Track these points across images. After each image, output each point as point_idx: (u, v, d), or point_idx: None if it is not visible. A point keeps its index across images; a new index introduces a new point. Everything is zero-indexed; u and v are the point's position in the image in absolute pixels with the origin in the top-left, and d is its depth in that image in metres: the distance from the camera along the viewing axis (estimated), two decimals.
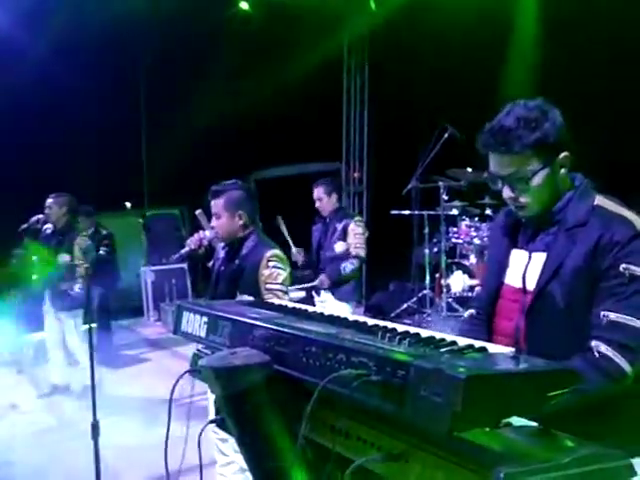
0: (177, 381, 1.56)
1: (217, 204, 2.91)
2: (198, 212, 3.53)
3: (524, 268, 1.71)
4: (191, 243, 3.05)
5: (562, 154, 1.64)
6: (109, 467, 3.17)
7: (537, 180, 1.62)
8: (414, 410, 0.92)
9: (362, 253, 4.83)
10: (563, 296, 1.60)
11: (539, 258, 1.68)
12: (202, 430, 1.53)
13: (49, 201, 5.12)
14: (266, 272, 2.78)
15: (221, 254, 3.05)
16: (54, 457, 3.80)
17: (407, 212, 7.23)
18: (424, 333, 1.19)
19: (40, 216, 5.26)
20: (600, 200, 1.67)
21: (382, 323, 1.32)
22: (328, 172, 7.63)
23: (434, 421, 0.89)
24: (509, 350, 1.06)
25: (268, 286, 2.76)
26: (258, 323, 1.36)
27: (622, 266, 1.54)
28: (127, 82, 8.38)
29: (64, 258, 4.97)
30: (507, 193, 1.68)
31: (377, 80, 8.71)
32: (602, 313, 1.54)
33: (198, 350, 1.66)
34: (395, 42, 7.69)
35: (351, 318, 1.39)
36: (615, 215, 1.62)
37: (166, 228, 8.95)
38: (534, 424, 1.16)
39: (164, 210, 9.16)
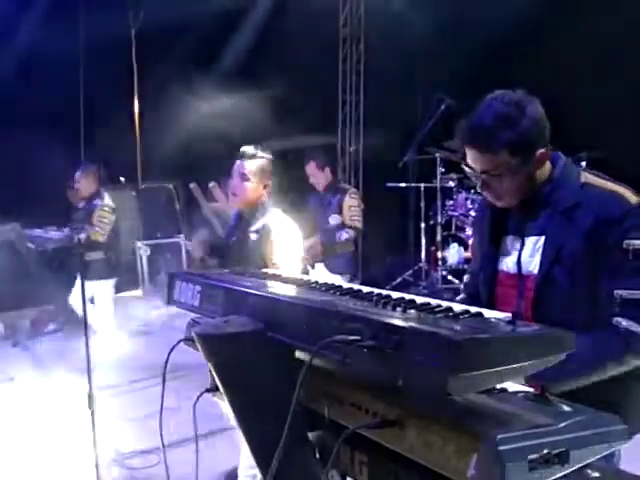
0: (171, 350, 1.56)
1: (246, 166, 2.85)
2: (192, 185, 3.51)
3: (518, 253, 1.70)
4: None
5: (539, 151, 1.61)
6: (105, 438, 3.19)
7: (511, 177, 1.61)
8: (409, 375, 0.91)
9: (358, 225, 4.83)
10: (567, 279, 1.59)
11: (534, 242, 1.67)
12: (197, 399, 1.53)
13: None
14: (277, 242, 2.77)
15: (233, 222, 3.04)
16: (51, 429, 3.82)
17: (403, 185, 7.21)
18: (419, 300, 1.18)
19: None
20: (586, 177, 1.65)
21: (377, 290, 1.30)
22: (323, 146, 7.57)
23: (429, 385, 0.88)
24: (505, 315, 1.04)
25: (278, 257, 2.76)
26: (252, 291, 1.35)
27: (625, 242, 1.53)
28: (119, 50, 8.23)
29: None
30: (480, 186, 1.68)
31: (373, 51, 8.60)
32: (614, 292, 1.53)
33: (193, 319, 1.66)
34: (391, 14, 7.59)
35: (345, 285, 1.38)
36: (606, 192, 1.61)
37: (160, 202, 8.90)
38: (529, 389, 1.15)
39: (158, 184, 9.10)
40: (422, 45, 7.13)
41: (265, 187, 2.90)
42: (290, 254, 2.79)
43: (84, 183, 5.52)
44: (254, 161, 2.87)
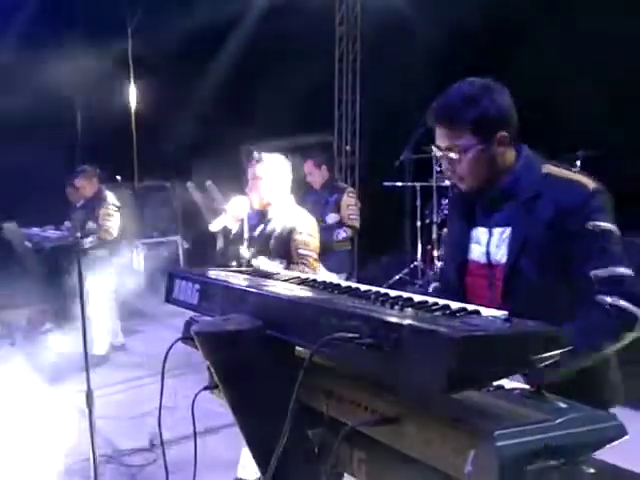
0: (169, 348, 1.57)
1: (259, 168, 2.98)
2: (189, 184, 3.53)
3: (486, 244, 1.75)
4: (231, 213, 3.06)
5: (500, 133, 1.67)
6: (103, 436, 3.20)
7: (470, 155, 1.67)
8: (408, 372, 0.92)
9: (356, 224, 4.84)
10: (534, 270, 1.63)
11: (500, 233, 1.72)
12: (195, 397, 1.54)
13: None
14: (299, 238, 2.86)
15: (253, 221, 3.11)
16: (48, 427, 3.82)
17: (400, 184, 7.21)
18: (417, 298, 1.19)
19: None
20: (548, 168, 1.71)
21: (375, 288, 1.31)
22: (320, 144, 7.58)
23: (428, 383, 0.89)
24: (502, 313, 1.05)
25: (300, 252, 2.85)
26: (251, 289, 1.35)
27: (589, 224, 1.58)
28: (115, 49, 8.22)
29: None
30: (444, 165, 1.75)
31: (369, 50, 8.60)
32: (591, 273, 1.57)
33: (191, 318, 1.66)
34: (387, 12, 7.59)
35: (343, 284, 1.39)
36: (566, 180, 1.66)
37: (157, 201, 8.88)
38: (526, 386, 1.17)
39: (155, 183, 9.09)
40: (419, 43, 7.13)
41: (278, 186, 2.99)
42: (312, 251, 2.88)
43: (86, 185, 5.67)
44: (263, 163, 2.99)
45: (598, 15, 5.50)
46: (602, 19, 5.44)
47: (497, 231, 1.73)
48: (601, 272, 1.57)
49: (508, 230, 1.69)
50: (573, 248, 1.59)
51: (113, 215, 5.61)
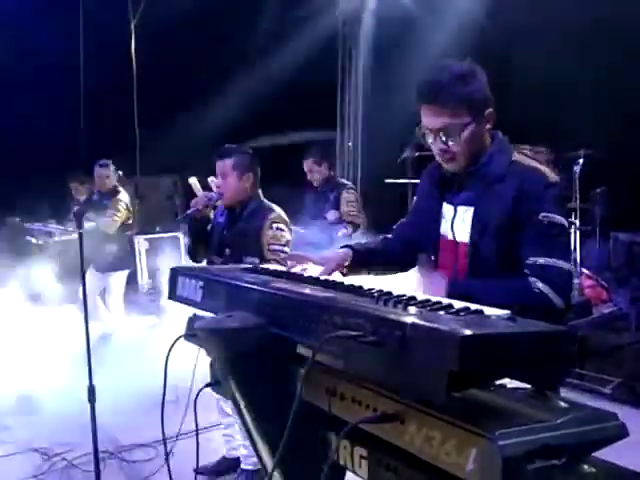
0: (172, 345, 1.57)
1: (225, 164, 2.93)
2: (192, 180, 3.51)
3: (451, 221, 1.83)
4: (198, 203, 3.04)
5: (488, 110, 1.74)
6: (105, 430, 3.20)
7: (467, 133, 1.71)
8: (410, 370, 0.92)
9: (357, 220, 4.82)
10: (493, 249, 1.72)
11: (464, 212, 1.79)
12: (198, 393, 1.54)
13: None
14: (270, 233, 2.82)
15: (220, 219, 3.08)
16: (51, 421, 3.83)
17: (402, 181, 7.20)
18: (420, 296, 1.20)
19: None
20: (516, 156, 1.78)
21: (378, 287, 1.32)
22: (322, 141, 7.57)
23: (430, 381, 0.90)
24: (504, 312, 1.06)
25: (271, 247, 2.80)
26: (254, 287, 1.36)
27: (541, 215, 1.66)
28: (117, 46, 8.21)
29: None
30: (438, 146, 1.75)
31: (373, 48, 8.59)
32: (531, 259, 1.65)
33: (193, 314, 1.67)
34: (392, 10, 7.58)
35: (346, 282, 1.39)
36: (529, 168, 1.73)
37: (159, 197, 8.90)
38: (528, 386, 1.17)
39: (158, 178, 9.09)
40: (421, 42, 7.13)
41: (247, 179, 2.94)
42: (284, 246, 2.83)
43: (110, 177, 5.64)
44: (229, 159, 2.94)
45: (601, 16, 5.49)
46: (605, 21, 5.44)
47: (461, 209, 1.80)
48: (541, 260, 1.64)
49: (471, 210, 1.77)
50: (523, 235, 1.67)
51: (122, 212, 5.65)
